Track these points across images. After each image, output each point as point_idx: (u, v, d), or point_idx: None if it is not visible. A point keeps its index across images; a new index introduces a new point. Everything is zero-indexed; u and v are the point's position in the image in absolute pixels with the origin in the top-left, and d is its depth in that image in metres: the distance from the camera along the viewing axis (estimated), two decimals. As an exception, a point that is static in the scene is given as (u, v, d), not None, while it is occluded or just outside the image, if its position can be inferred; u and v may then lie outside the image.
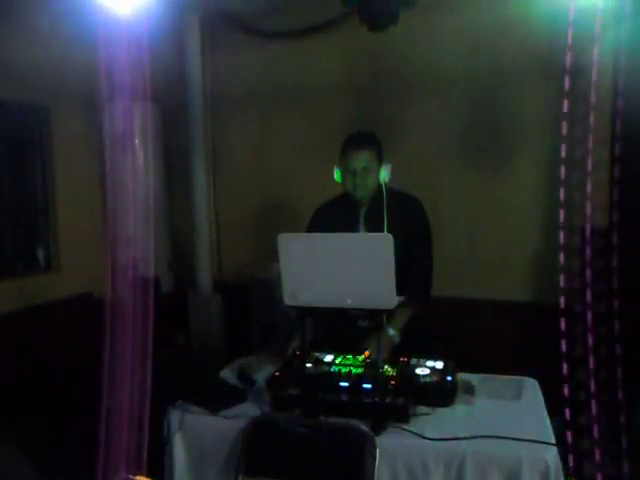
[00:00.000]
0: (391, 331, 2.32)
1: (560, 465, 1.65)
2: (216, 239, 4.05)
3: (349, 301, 1.83)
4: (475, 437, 1.73)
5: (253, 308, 3.44)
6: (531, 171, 3.23)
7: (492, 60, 3.20)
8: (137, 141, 3.92)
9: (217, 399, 2.05)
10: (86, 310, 3.74)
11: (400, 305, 2.02)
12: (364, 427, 1.78)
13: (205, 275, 3.82)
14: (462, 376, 2.18)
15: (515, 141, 3.22)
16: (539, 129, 3.22)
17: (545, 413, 1.90)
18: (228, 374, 2.34)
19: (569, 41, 2.14)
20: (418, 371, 2.07)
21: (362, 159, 2.29)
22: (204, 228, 3.90)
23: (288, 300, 1.90)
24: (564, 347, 2.07)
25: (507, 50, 3.14)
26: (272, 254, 3.19)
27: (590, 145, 3.06)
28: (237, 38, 3.77)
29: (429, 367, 2.10)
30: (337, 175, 2.37)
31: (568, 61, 2.11)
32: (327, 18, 3.39)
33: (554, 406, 1.99)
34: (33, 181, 3.78)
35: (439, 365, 2.11)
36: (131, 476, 1.46)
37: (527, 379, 2.20)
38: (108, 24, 3.67)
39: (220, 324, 3.70)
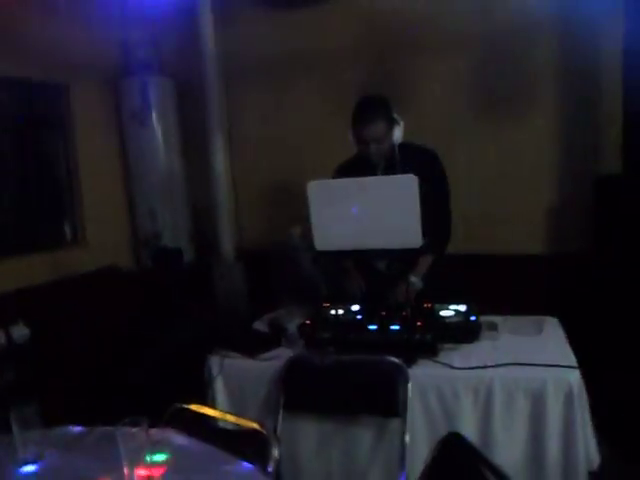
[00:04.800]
0: (413, 278, 2.42)
1: (583, 386, 1.75)
2: (235, 209, 4.14)
3: (378, 242, 1.92)
4: (501, 365, 1.83)
5: (274, 272, 3.54)
6: (542, 125, 3.29)
7: (506, 18, 3.23)
8: (154, 116, 4.03)
9: (253, 345, 2.17)
10: (113, 281, 3.88)
11: (420, 252, 2.12)
12: (396, 360, 1.89)
13: (227, 243, 3.93)
14: (485, 318, 2.28)
15: (527, 97, 3.27)
16: (551, 85, 3.27)
17: (566, 342, 2.00)
18: (259, 325, 2.46)
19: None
20: (442, 313, 2.17)
21: (373, 132, 2.31)
22: (224, 199, 4.00)
23: (319, 245, 2.00)
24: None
25: (521, 8, 3.17)
26: (290, 220, 3.30)
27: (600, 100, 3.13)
28: (249, 9, 3.82)
29: (453, 310, 2.20)
30: (352, 138, 2.43)
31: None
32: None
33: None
34: (56, 158, 3.88)
35: (462, 308, 2.21)
36: (184, 405, 1.57)
37: (548, 317, 2.29)
38: (124, 1, 3.76)
39: (243, 289, 3.82)
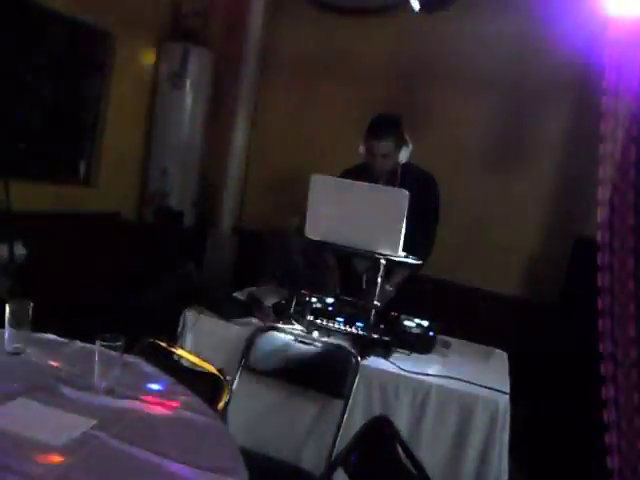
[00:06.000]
0: (387, 286, 2.61)
1: (509, 410, 1.94)
2: (242, 188, 4.34)
3: (361, 243, 2.12)
4: (441, 376, 2.03)
5: (267, 253, 3.74)
6: (542, 182, 3.50)
7: (531, 71, 3.44)
8: (189, 82, 4.23)
9: (229, 309, 2.36)
10: (115, 227, 4.07)
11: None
12: (352, 350, 2.08)
13: (227, 217, 4.13)
14: (442, 337, 2.47)
15: (534, 151, 3.48)
16: (557, 144, 3.48)
17: (506, 372, 2.20)
18: (239, 295, 2.64)
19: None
20: (405, 323, 2.37)
21: (382, 148, 2.51)
22: (235, 175, 4.20)
23: (309, 233, 2.19)
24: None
25: (545, 65, 3.37)
26: (291, 210, 3.46)
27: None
28: (299, 6, 4.02)
29: (415, 322, 2.39)
30: (362, 149, 2.63)
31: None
32: (386, 2, 3.64)
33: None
34: (89, 100, 4.07)
35: (424, 323, 2.40)
36: (156, 340, 1.76)
37: (499, 350, 2.48)
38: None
39: (233, 263, 4.01)
